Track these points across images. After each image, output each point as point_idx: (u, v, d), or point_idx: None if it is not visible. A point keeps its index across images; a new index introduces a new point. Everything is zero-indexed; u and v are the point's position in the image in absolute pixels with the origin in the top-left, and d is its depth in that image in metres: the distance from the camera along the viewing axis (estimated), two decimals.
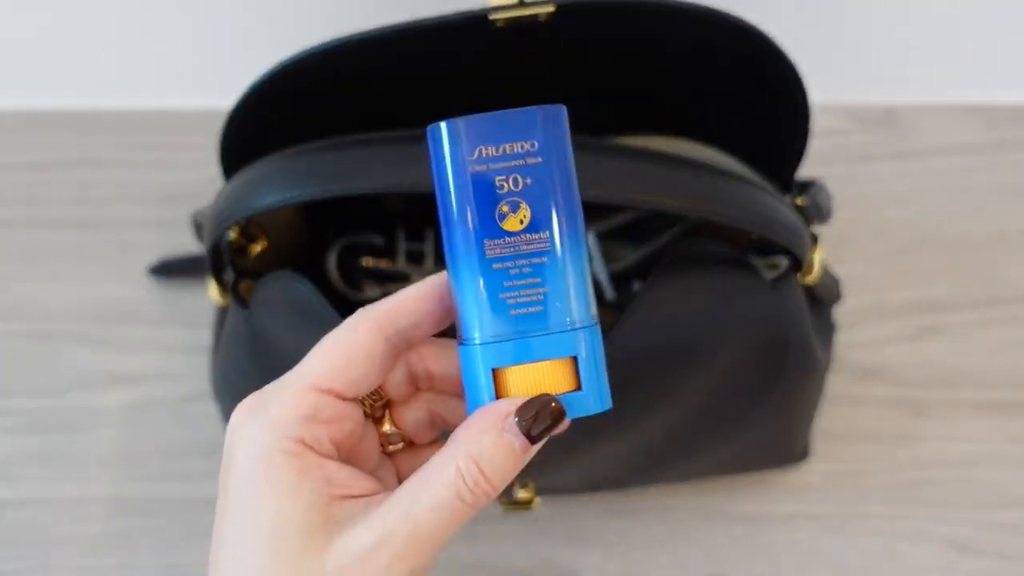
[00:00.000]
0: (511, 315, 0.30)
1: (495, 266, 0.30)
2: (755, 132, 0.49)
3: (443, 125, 0.30)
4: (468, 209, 0.30)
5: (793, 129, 0.47)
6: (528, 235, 0.30)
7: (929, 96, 0.69)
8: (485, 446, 0.28)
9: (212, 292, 0.48)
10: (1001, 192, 0.66)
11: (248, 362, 0.47)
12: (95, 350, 0.60)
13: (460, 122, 0.30)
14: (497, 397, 0.30)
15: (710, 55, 0.46)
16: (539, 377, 0.30)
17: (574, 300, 0.30)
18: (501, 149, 0.30)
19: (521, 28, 0.41)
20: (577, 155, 0.40)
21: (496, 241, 0.30)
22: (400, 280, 0.55)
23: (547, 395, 0.29)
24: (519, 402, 0.29)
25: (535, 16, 0.40)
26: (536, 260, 0.30)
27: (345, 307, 0.54)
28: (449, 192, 0.30)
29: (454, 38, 0.42)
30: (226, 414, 0.52)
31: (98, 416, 0.58)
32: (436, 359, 0.33)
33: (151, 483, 0.56)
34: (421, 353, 0.33)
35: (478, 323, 0.30)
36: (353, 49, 0.41)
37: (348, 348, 0.30)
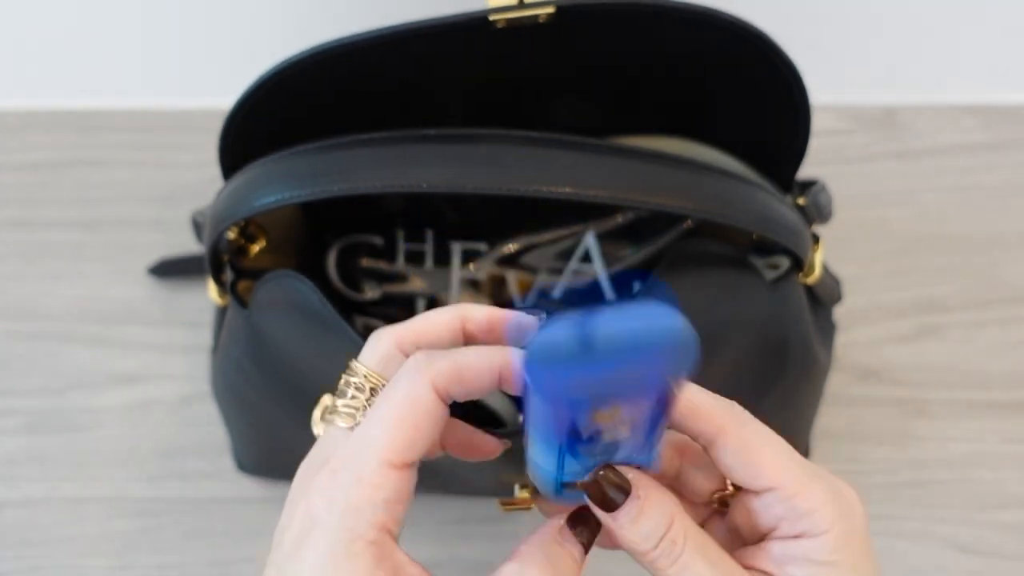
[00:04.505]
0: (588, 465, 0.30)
1: (582, 452, 0.29)
2: (755, 132, 0.49)
3: (552, 384, 0.24)
4: (561, 447, 0.28)
5: (793, 129, 0.47)
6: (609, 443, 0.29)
7: (929, 96, 0.69)
8: (549, 553, 0.30)
9: (212, 292, 0.48)
10: (1001, 192, 0.66)
11: (248, 362, 0.47)
12: (95, 350, 0.60)
13: (573, 380, 0.24)
14: None
15: (710, 55, 0.46)
16: None
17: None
18: (614, 414, 0.26)
19: (521, 29, 0.41)
20: (577, 155, 0.40)
21: (582, 447, 0.29)
22: (399, 280, 0.55)
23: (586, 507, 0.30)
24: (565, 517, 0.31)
25: (535, 17, 0.40)
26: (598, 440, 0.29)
27: (344, 307, 0.54)
28: (546, 429, 0.27)
29: (454, 39, 0.42)
30: (225, 414, 0.52)
31: (98, 416, 0.58)
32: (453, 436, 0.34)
33: (151, 483, 0.56)
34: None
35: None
36: (353, 49, 0.41)
37: (415, 414, 0.29)
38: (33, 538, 0.54)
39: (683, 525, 0.30)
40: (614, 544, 0.32)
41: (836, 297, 0.51)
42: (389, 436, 0.29)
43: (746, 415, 0.33)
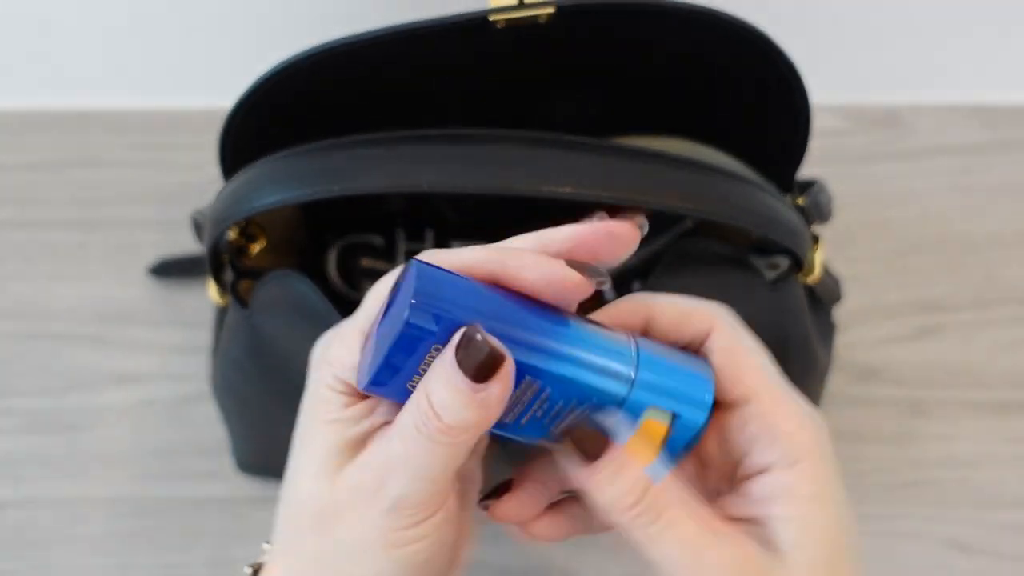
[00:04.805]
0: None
1: (524, 422, 0.29)
2: (755, 132, 0.49)
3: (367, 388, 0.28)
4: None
5: (793, 129, 0.47)
6: (518, 390, 0.28)
7: (929, 96, 0.69)
8: (434, 377, 0.27)
9: (212, 292, 0.48)
10: (1001, 192, 0.66)
11: (248, 362, 0.47)
12: (95, 350, 0.60)
13: (375, 379, 0.28)
14: None
15: (710, 55, 0.46)
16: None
17: (605, 382, 0.29)
18: (421, 368, 0.28)
19: (521, 29, 0.41)
20: (577, 155, 0.40)
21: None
22: None
23: (473, 330, 0.27)
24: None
25: (535, 17, 0.40)
26: (543, 399, 0.28)
27: (345, 307, 0.54)
28: None
29: (454, 39, 0.42)
30: (225, 414, 0.52)
31: (98, 416, 0.58)
32: None
33: (151, 483, 0.56)
34: None
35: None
36: (353, 50, 0.41)
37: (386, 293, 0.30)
38: (33, 538, 0.54)
39: (666, 480, 0.29)
40: (584, 528, 0.31)
41: (836, 297, 0.51)
42: (365, 310, 0.30)
43: (737, 320, 0.32)
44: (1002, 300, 0.62)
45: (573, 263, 0.28)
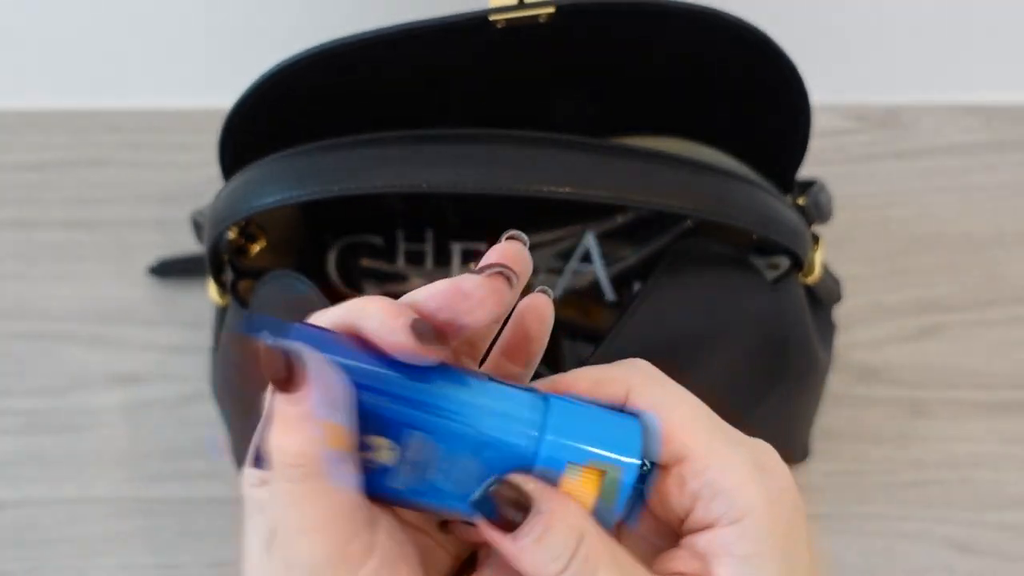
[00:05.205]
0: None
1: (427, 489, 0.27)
2: (756, 132, 0.49)
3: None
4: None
5: (794, 129, 0.47)
6: (408, 449, 0.26)
7: (929, 96, 0.69)
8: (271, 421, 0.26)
9: (212, 292, 0.48)
10: (1001, 192, 0.66)
11: (248, 362, 0.47)
12: (95, 350, 0.60)
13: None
14: None
15: (710, 55, 0.46)
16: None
17: (505, 432, 0.26)
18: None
19: (521, 29, 0.41)
20: (577, 155, 0.40)
21: (396, 478, 0.27)
22: (399, 280, 0.55)
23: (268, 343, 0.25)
24: None
25: (535, 17, 0.40)
26: (438, 456, 0.26)
27: None
28: None
29: (455, 39, 0.42)
30: (225, 414, 0.52)
31: (98, 416, 0.58)
32: None
33: (151, 483, 0.56)
34: None
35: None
36: (353, 50, 0.41)
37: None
38: (33, 538, 0.54)
39: (595, 538, 0.26)
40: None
41: (836, 297, 0.51)
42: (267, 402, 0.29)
43: (659, 374, 0.29)
44: (1002, 300, 0.62)
45: (419, 328, 0.26)
